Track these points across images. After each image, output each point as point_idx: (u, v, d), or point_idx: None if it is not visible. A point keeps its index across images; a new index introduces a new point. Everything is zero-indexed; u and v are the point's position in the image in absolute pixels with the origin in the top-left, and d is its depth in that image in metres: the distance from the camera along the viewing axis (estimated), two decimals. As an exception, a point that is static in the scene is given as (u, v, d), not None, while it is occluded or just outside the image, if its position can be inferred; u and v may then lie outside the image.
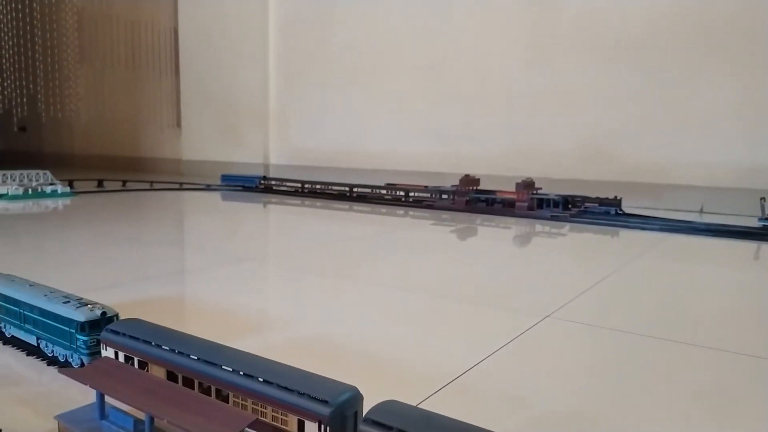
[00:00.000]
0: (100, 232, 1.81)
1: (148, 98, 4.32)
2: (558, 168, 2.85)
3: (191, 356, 0.56)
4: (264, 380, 0.50)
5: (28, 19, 3.96)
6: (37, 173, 2.68)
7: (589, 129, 2.80)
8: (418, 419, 0.44)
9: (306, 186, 3.11)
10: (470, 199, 2.49)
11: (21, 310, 0.73)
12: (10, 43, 3.87)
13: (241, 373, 0.52)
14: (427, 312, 1.00)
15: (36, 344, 0.72)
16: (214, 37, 3.93)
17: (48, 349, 0.71)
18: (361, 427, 0.44)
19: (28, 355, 0.73)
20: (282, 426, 0.49)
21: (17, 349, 0.75)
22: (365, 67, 3.44)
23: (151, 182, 3.27)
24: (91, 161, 4.80)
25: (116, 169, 4.36)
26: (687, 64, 2.53)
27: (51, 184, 2.67)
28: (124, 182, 3.21)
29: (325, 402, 0.46)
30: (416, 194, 2.68)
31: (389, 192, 2.78)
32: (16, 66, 3.95)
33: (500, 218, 2.33)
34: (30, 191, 2.55)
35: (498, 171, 2.95)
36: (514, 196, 2.38)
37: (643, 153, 2.67)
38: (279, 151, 3.91)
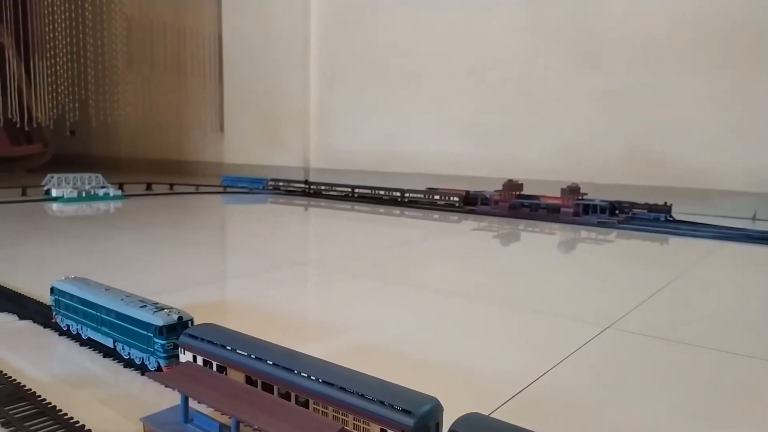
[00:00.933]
0: (154, 234, 1.86)
1: (192, 103, 4.43)
2: (603, 173, 2.80)
3: (271, 362, 0.57)
4: (346, 389, 0.51)
5: (80, 27, 4.11)
6: (90, 176, 2.78)
7: (636, 132, 2.74)
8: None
9: (312, 187, 3.25)
10: (513, 205, 2.47)
11: (98, 314, 0.76)
12: (64, 50, 4.02)
13: (322, 380, 0.53)
14: (485, 320, 1.00)
15: (112, 346, 0.75)
16: (257, 43, 4.00)
17: (124, 351, 0.73)
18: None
19: (104, 356, 0.76)
20: (363, 435, 0.49)
21: (93, 350, 0.78)
22: (406, 70, 3.44)
23: (197, 185, 3.35)
24: (137, 164, 4.94)
25: (161, 172, 4.47)
26: (738, 65, 2.46)
27: (103, 187, 2.76)
28: (171, 185, 3.29)
29: (408, 412, 0.47)
30: (454, 198, 2.67)
31: (387, 194, 2.77)
32: (69, 73, 4.10)
33: (545, 224, 2.30)
34: (84, 194, 2.64)
35: (540, 175, 2.91)
36: (559, 202, 2.34)
37: (693, 157, 2.60)
38: (319, 155, 3.95)
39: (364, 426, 0.49)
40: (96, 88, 4.31)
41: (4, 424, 0.58)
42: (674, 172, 2.64)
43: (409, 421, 0.46)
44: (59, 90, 4.00)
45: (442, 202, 2.71)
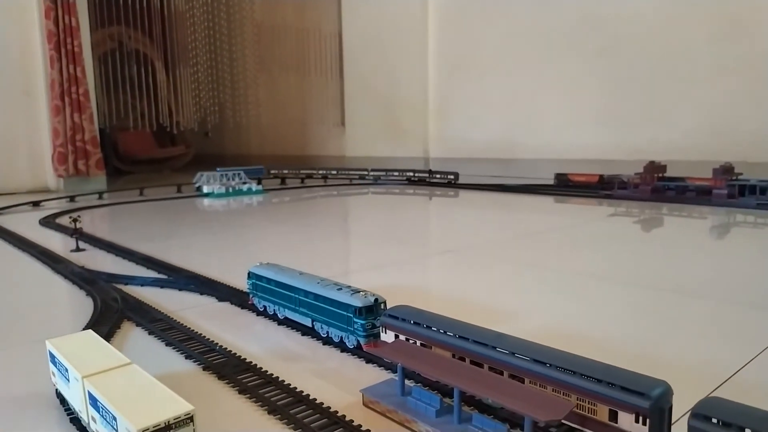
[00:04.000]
0: (300, 224, 1.98)
1: (315, 100, 4.63)
2: (757, 150, 2.55)
3: (478, 341, 0.59)
4: (568, 369, 0.52)
5: (217, 36, 4.46)
6: (233, 173, 3.01)
7: (797, 104, 2.46)
8: (757, 417, 0.42)
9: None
10: (657, 188, 2.32)
11: (296, 296, 0.83)
12: (204, 58, 4.38)
13: (537, 360, 0.54)
14: (664, 307, 0.96)
15: (311, 326, 0.82)
16: (375, 38, 4.09)
17: (323, 330, 0.80)
18: (692, 422, 0.44)
19: (302, 335, 0.83)
20: (589, 414, 0.50)
21: (290, 329, 0.86)
22: (529, 53, 3.35)
23: (325, 178, 3.51)
24: (264, 161, 5.24)
25: (287, 167, 4.72)
26: None
27: (245, 183, 2.98)
28: (303, 179, 3.48)
29: (642, 394, 0.47)
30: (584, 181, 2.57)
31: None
32: (210, 78, 4.46)
33: (693, 207, 2.14)
34: (230, 190, 2.87)
35: (681, 156, 2.71)
36: (710, 183, 2.17)
37: None
38: (439, 144, 3.96)
39: (590, 406, 0.50)
40: (232, 92, 4.65)
41: (241, 392, 0.65)
42: None
43: (645, 403, 0.46)
44: (201, 95, 4.37)
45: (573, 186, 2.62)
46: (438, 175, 3.22)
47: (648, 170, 2.35)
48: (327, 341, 0.79)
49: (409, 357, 0.58)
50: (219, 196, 2.82)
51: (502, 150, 3.56)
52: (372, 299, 0.73)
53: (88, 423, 0.53)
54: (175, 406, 0.45)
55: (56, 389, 0.63)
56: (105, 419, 0.48)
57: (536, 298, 1.03)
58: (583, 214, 2.12)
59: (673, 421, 0.48)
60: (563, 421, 0.52)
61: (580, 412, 0.51)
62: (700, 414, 0.43)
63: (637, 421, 0.47)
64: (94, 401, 0.50)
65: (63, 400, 0.62)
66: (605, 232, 1.72)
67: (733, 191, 2.10)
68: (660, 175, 2.36)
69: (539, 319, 0.91)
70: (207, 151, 5.65)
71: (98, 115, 3.48)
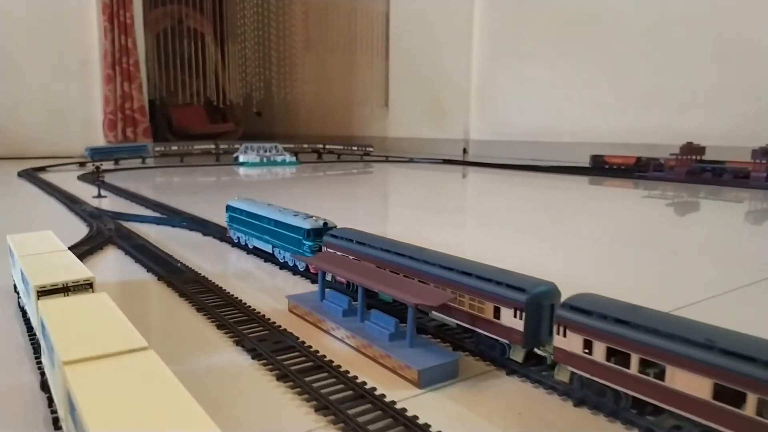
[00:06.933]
0: (322, 188, 2.03)
1: (360, 80, 4.66)
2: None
3: (397, 253, 0.61)
4: (464, 271, 0.52)
5: (266, 13, 4.56)
6: (270, 146, 3.09)
7: None
8: (620, 308, 0.42)
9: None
10: (693, 170, 2.22)
11: (261, 224, 0.86)
12: (253, 35, 4.50)
13: (442, 266, 0.55)
14: (670, 266, 0.93)
15: (271, 252, 0.85)
16: (422, 19, 4.07)
17: (280, 256, 0.83)
18: (559, 312, 0.44)
19: (265, 261, 0.87)
20: (478, 313, 0.51)
21: (258, 258, 0.89)
22: (576, 36, 3.25)
23: (362, 155, 3.54)
24: (311, 140, 5.35)
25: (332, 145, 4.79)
26: None
27: (280, 155, 3.06)
28: (339, 155, 3.53)
29: (522, 290, 0.47)
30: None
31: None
32: (257, 55, 4.58)
33: (729, 190, 2.04)
34: (264, 160, 2.95)
35: (731, 142, 2.56)
36: (748, 166, 2.06)
37: None
38: (480, 127, 3.92)
39: (479, 305, 0.50)
40: (278, 69, 4.75)
41: (180, 295, 0.69)
42: None
43: (522, 297, 0.47)
44: (247, 71, 4.49)
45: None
46: (354, 147, 3.52)
47: (684, 151, 2.25)
48: (284, 266, 0.83)
49: (328, 263, 0.60)
50: (253, 164, 2.90)
51: (542, 133, 3.48)
52: (321, 223, 0.75)
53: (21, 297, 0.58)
54: (77, 272, 0.49)
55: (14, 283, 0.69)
56: (24, 284, 0.53)
57: (537, 252, 1.03)
58: (616, 195, 2.06)
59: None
60: (456, 322, 0.52)
61: (472, 311, 0.51)
62: (567, 304, 0.44)
63: (515, 315, 0.47)
64: (22, 276, 0.55)
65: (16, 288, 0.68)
66: (634, 212, 1.67)
67: (773, 174, 1.98)
68: (698, 157, 2.25)
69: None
70: (256, 130, 5.81)
71: (150, 87, 3.65)
